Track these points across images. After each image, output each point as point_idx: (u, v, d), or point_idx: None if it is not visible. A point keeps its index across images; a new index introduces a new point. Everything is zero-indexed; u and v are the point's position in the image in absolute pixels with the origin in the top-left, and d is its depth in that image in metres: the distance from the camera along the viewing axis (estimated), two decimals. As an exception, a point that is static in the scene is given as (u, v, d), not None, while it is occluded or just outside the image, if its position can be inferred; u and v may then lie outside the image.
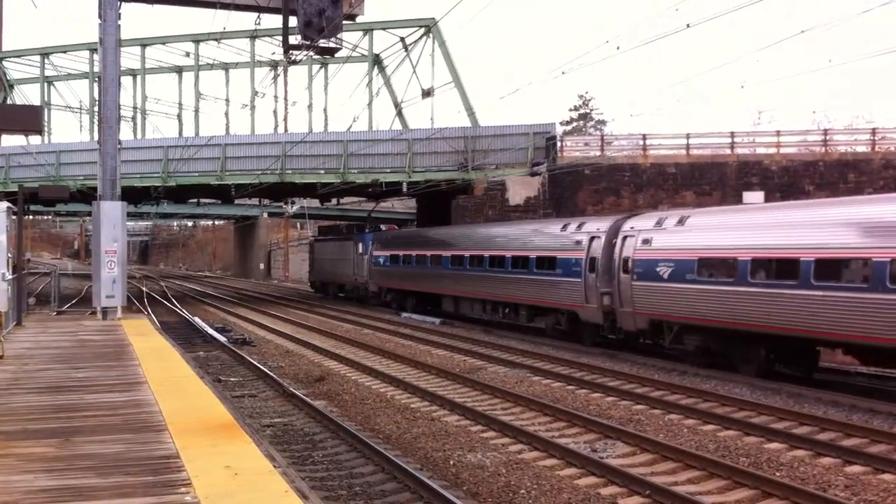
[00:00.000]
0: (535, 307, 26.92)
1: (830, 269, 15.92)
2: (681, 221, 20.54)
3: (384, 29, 45.40)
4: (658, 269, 20.31)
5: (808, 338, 16.88)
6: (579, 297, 23.78)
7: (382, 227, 48.66)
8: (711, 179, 37.77)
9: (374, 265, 41.18)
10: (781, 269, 16.98)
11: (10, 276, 20.88)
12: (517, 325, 28.67)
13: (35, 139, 42.44)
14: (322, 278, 52.54)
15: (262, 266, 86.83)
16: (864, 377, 18.63)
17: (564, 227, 25.68)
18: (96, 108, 30.06)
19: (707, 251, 19.05)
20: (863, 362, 17.82)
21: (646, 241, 21.10)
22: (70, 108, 49.88)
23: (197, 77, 47.63)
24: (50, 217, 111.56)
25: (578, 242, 24.23)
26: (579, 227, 24.90)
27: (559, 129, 50.87)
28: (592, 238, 23.65)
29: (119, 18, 23.00)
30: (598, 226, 23.95)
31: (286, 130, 45.50)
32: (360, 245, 43.37)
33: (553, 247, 25.56)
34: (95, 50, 31.45)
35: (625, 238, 21.99)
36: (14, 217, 22.47)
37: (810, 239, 16.50)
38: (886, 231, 15.15)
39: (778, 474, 10.96)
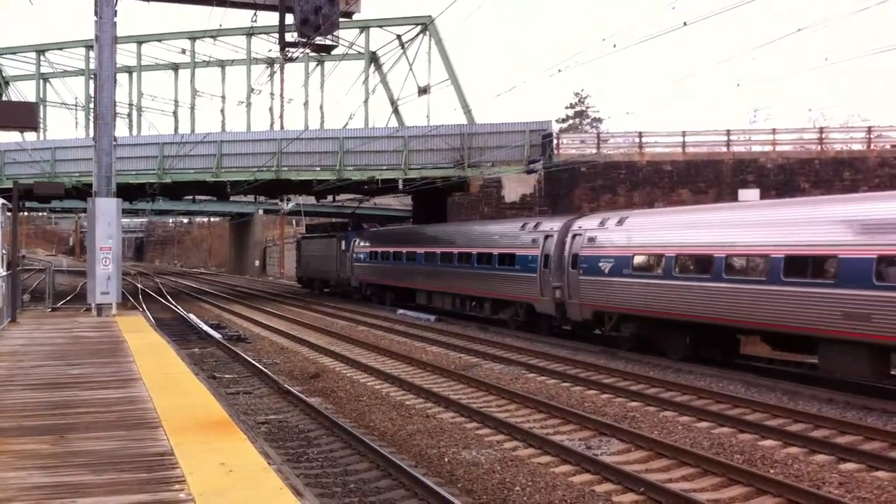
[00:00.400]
0: (497, 300, 28.97)
1: (739, 264, 18.07)
2: (620, 222, 22.70)
3: (381, 26, 45.39)
4: (600, 265, 22.55)
5: (724, 325, 18.90)
6: (535, 290, 26.03)
7: (364, 225, 50.01)
8: (707, 177, 37.77)
9: (355, 262, 43.65)
10: (699, 264, 19.11)
11: (5, 273, 20.86)
12: (506, 322, 28.70)
13: (30, 136, 42.34)
14: (308, 274, 54.70)
15: (257, 263, 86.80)
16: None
17: (523, 227, 27.92)
18: (92, 105, 30.03)
19: (640, 248, 21.31)
20: (774, 348, 19.25)
21: (591, 240, 23.34)
22: (66, 104, 49.88)
23: (193, 74, 47.61)
24: (45, 214, 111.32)
25: (535, 241, 26.43)
26: (536, 226, 27.14)
27: (555, 127, 50.84)
28: (546, 237, 25.85)
29: (115, 15, 22.91)
30: (552, 225, 26.10)
31: (282, 127, 45.54)
32: (343, 242, 45.54)
33: (513, 245, 27.75)
34: (91, 47, 31.39)
35: (574, 237, 24.22)
36: (9, 213, 22.44)
37: (722, 238, 18.65)
38: (782, 230, 17.29)
39: (772, 471, 10.99)
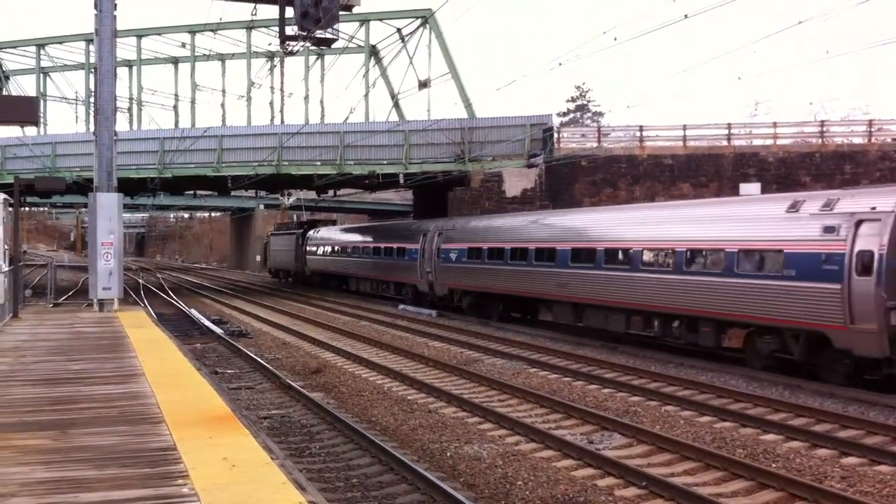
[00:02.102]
0: (398, 283, 38.10)
1: (516, 252, 27.13)
2: (462, 225, 32.10)
3: (381, 20, 45.28)
4: (451, 255, 31.59)
5: (514, 295, 28.12)
6: (416, 275, 34.71)
7: (319, 224, 58.26)
8: (708, 171, 37.76)
9: (308, 255, 52.09)
10: (497, 254, 28.21)
11: (7, 268, 20.85)
12: (506, 318, 28.95)
13: (31, 130, 42.33)
14: (276, 266, 62.78)
15: (258, 258, 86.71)
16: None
17: (410, 227, 37.68)
18: (92, 100, 29.98)
19: (471, 243, 30.27)
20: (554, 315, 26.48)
21: (447, 238, 32.23)
22: (66, 99, 49.75)
23: (193, 68, 47.52)
24: (46, 209, 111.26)
25: (416, 237, 34.78)
26: (418, 227, 36.24)
27: (556, 121, 50.77)
28: (423, 234, 34.12)
29: (115, 9, 22.88)
30: (428, 226, 34.55)
31: (282, 122, 45.46)
32: (300, 239, 53.77)
33: (405, 241, 36.24)
34: (91, 41, 31.32)
35: (438, 234, 32.86)
36: (10, 209, 22.43)
37: (507, 236, 28.10)
38: (533, 231, 26.96)
39: (774, 466, 10.99)
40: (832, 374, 16.44)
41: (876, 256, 15.32)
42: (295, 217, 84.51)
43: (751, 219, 18.34)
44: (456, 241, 31.29)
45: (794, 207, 17.34)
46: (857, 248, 15.59)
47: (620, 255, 21.70)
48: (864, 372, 16.11)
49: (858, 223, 15.77)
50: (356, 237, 44.64)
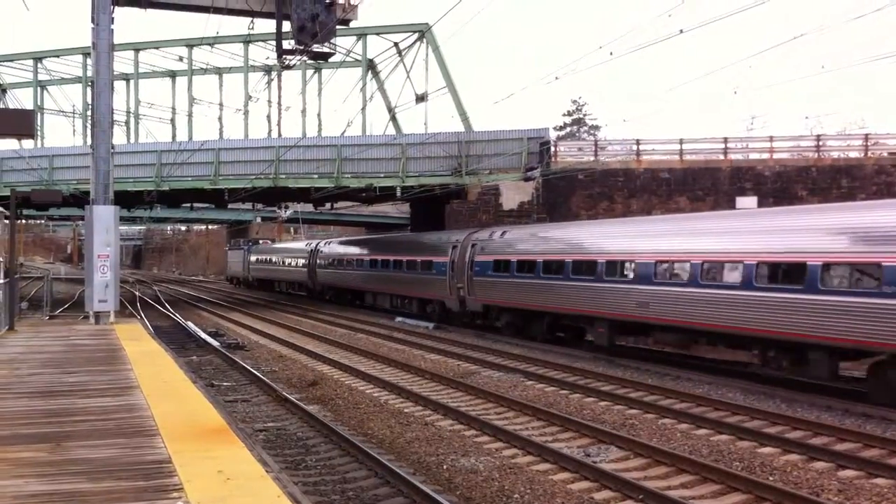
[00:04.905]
0: (299, 283, 55.37)
1: (341, 261, 44.41)
2: (333, 241, 49.41)
3: (378, 34, 45.35)
4: (322, 263, 48.00)
5: (355, 289, 43.74)
6: (305, 277, 52.15)
7: (260, 241, 75.01)
8: (705, 185, 37.81)
9: (251, 264, 67.60)
10: (340, 262, 43.64)
11: (3, 281, 20.82)
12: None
13: (28, 143, 42.32)
14: (231, 275, 78.34)
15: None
16: (855, 381, 18.62)
17: (305, 244, 55.62)
18: (89, 113, 30.01)
19: (337, 256, 45.84)
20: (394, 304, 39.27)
21: (321, 253, 48.45)
22: (63, 112, 49.75)
23: (190, 81, 47.61)
24: (43, 221, 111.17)
25: (306, 252, 51.68)
26: (307, 244, 54.05)
27: (553, 135, 50.84)
28: (312, 251, 50.48)
29: (112, 23, 22.95)
30: (314, 244, 52.03)
31: (280, 135, 45.45)
32: (247, 253, 69.02)
33: (299, 254, 54.15)
34: (89, 54, 31.38)
35: (318, 249, 49.41)
36: (6, 221, 22.42)
37: (340, 252, 45.77)
38: (344, 248, 47.06)
39: (771, 479, 10.98)
40: (458, 322, 31.36)
41: (455, 263, 30.63)
42: (293, 230, 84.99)
43: (427, 244, 34.45)
44: (325, 254, 47.95)
45: (441, 238, 33.77)
46: (451, 259, 30.97)
47: (386, 264, 38.02)
48: (474, 322, 30.56)
49: (453, 247, 31.05)
50: (277, 251, 62.18)
